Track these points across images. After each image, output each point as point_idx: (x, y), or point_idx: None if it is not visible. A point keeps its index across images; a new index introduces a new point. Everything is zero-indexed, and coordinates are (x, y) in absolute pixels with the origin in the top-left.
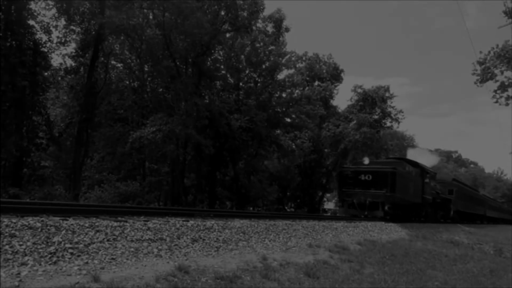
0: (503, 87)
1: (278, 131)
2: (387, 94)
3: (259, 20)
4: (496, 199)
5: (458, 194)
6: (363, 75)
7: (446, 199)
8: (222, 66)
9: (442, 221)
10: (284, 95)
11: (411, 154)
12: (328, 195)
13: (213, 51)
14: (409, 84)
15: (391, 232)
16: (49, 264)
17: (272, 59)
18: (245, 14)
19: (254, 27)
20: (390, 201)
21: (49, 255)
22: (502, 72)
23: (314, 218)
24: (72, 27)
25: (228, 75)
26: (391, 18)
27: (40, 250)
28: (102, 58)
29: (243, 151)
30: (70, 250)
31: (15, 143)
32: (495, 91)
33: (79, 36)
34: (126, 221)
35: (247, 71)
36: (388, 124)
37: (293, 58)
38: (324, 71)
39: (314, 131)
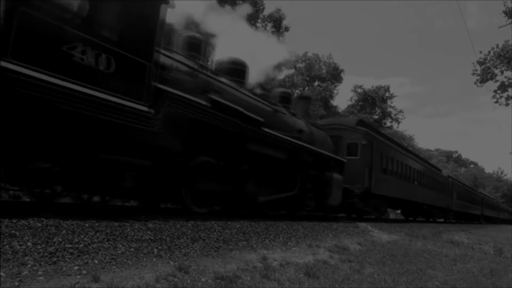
0: (503, 87)
1: None
2: (387, 94)
3: (259, 20)
4: (465, 184)
5: (371, 157)
6: (363, 75)
7: (324, 157)
8: None
9: (269, 213)
10: None
11: None
12: None
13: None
14: (409, 84)
15: None
16: (49, 264)
17: None
18: None
19: (254, 27)
20: None
21: (49, 255)
22: (502, 72)
23: (314, 219)
24: None
25: None
26: (391, 18)
27: (40, 250)
28: None
29: None
30: (70, 250)
31: None
32: (495, 91)
33: None
34: (126, 221)
35: None
36: (388, 124)
37: (293, 58)
38: (324, 71)
39: None
